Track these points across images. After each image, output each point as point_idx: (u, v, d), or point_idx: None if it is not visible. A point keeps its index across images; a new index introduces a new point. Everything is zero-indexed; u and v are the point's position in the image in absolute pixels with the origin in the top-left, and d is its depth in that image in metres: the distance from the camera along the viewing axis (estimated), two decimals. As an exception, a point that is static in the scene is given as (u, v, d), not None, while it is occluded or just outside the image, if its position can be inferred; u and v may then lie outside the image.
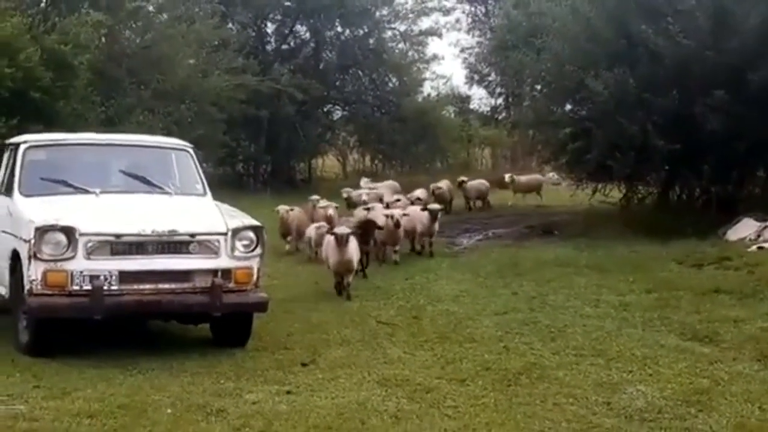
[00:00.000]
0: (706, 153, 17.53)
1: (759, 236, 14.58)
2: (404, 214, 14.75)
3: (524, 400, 6.94)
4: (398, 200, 17.67)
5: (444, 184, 22.43)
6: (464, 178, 24.09)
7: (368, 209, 15.34)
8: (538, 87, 23.90)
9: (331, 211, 15.49)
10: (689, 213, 17.97)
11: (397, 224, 14.02)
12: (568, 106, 20.92)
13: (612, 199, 19.92)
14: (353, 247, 11.12)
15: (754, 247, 13.76)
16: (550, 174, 30.94)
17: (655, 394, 7.00)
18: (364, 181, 24.10)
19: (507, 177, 25.18)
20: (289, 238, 16.19)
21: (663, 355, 8.28)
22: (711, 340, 8.85)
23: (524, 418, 6.47)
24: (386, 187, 21.60)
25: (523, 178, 25.34)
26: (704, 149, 17.27)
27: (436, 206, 15.60)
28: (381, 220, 13.88)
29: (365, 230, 12.70)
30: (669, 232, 15.60)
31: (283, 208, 16.20)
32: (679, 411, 6.59)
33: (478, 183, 24.51)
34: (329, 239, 11.46)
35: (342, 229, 11.24)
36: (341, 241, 10.84)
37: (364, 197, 17.84)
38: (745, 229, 15.18)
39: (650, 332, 9.30)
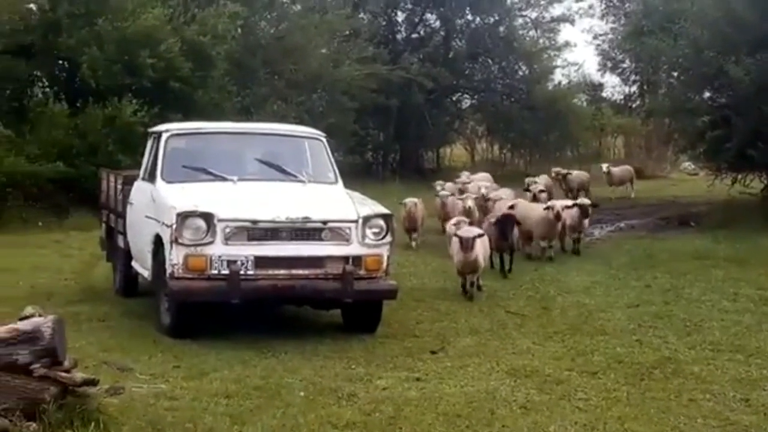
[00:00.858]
0: None
1: None
2: (566, 207, 13.85)
3: (658, 395, 6.78)
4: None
5: (542, 179, 20.73)
6: (563, 170, 22.76)
7: (513, 206, 14.17)
8: (675, 74, 23.23)
9: (470, 203, 14.60)
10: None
11: (558, 216, 13.26)
12: (707, 94, 20.29)
13: (753, 189, 19.17)
14: (480, 247, 10.46)
15: None
16: (686, 164, 30.09)
17: (798, 392, 6.74)
18: (465, 175, 22.63)
19: (604, 167, 24.31)
20: (414, 235, 15.28)
21: (806, 351, 7.95)
22: None
23: (658, 413, 6.32)
24: (483, 180, 20.27)
25: (616, 170, 24.43)
26: None
27: (586, 201, 14.57)
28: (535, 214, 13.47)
29: (503, 226, 11.99)
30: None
31: (410, 201, 15.20)
32: (824, 410, 6.32)
33: (578, 174, 23.21)
34: (454, 240, 10.75)
35: (467, 232, 10.64)
36: (466, 247, 10.24)
37: (483, 190, 16.38)
38: None
39: (793, 328, 8.94)
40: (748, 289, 10.88)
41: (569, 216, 13.77)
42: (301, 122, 16.80)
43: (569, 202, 14.44)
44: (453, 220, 12.93)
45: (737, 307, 9.96)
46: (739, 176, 19.39)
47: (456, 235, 10.67)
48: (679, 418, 6.19)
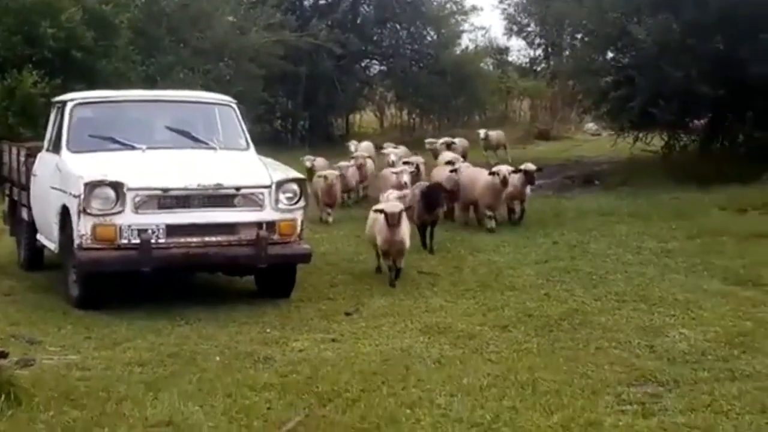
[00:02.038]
0: (751, 99, 17.29)
1: (804, 181, 14.43)
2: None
3: (566, 344, 7.01)
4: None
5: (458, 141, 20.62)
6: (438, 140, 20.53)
7: (455, 170, 13.13)
8: (579, 36, 23.69)
9: (405, 178, 12.96)
10: (733, 160, 17.78)
11: (504, 182, 12.26)
12: (610, 54, 20.72)
13: (654, 147, 19.74)
14: (405, 225, 9.40)
15: (799, 193, 13.62)
16: (590, 125, 30.72)
17: (698, 337, 7.03)
18: (483, 132, 23.16)
19: (482, 133, 23.12)
20: (330, 210, 13.97)
21: (706, 299, 8.31)
22: (755, 284, 8.87)
23: (567, 362, 6.53)
24: (366, 150, 19.27)
25: (493, 134, 23.49)
26: (749, 95, 17.04)
27: (532, 166, 13.12)
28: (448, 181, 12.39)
29: (431, 197, 11.04)
30: (712, 179, 15.47)
31: (332, 173, 14.05)
32: (722, 353, 6.62)
33: (460, 141, 20.91)
34: (377, 217, 9.53)
35: (392, 207, 9.43)
36: (392, 221, 9.09)
37: (393, 157, 16.02)
38: (790, 174, 15.01)
39: (693, 277, 9.33)
40: (650, 243, 11.26)
41: (511, 183, 12.58)
42: (208, 90, 16.58)
43: (510, 168, 12.90)
44: (392, 194, 11.35)
45: (640, 260, 10.31)
46: (641, 135, 19.92)
47: (379, 209, 9.46)
48: (587, 366, 6.40)
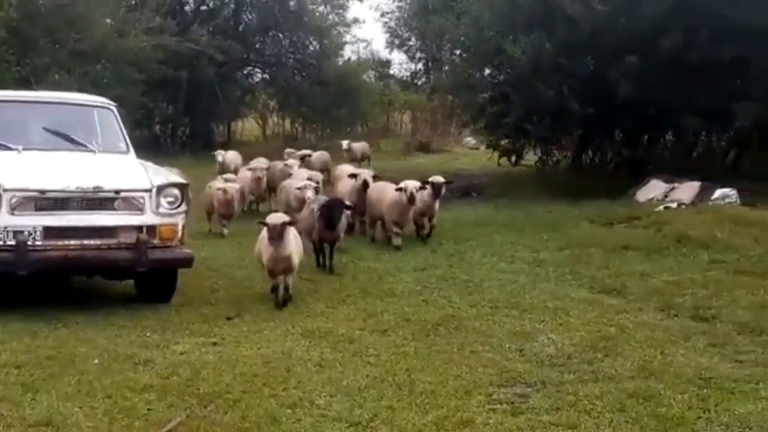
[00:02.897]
0: (619, 117, 18.13)
1: (666, 196, 15.23)
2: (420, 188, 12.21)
3: (442, 348, 7.25)
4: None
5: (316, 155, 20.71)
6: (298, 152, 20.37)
7: (366, 183, 12.88)
8: (458, 52, 24.29)
9: (309, 193, 12.24)
10: (601, 175, 18.62)
11: (412, 199, 11.89)
12: (487, 71, 21.29)
13: (528, 162, 20.40)
14: (293, 240, 8.79)
15: (661, 207, 14.37)
16: (468, 138, 31.47)
17: (565, 342, 7.38)
18: (345, 143, 23.33)
19: (344, 144, 23.69)
20: (225, 222, 13.54)
21: (573, 306, 8.71)
22: (619, 293, 9.33)
23: (442, 364, 6.77)
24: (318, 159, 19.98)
25: (357, 146, 24.04)
26: (616, 113, 17.84)
27: (440, 179, 12.69)
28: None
29: (331, 213, 10.44)
30: (582, 193, 16.13)
31: (231, 186, 13.61)
32: (587, 356, 6.98)
33: (319, 154, 21.00)
34: (263, 231, 8.84)
35: (275, 218, 8.66)
36: (274, 234, 8.47)
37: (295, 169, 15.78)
38: (653, 190, 15.81)
39: (562, 286, 9.76)
40: (523, 253, 11.70)
41: (419, 199, 12.24)
42: (85, 93, 16.27)
43: (418, 183, 12.26)
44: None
45: (514, 268, 10.72)
46: (516, 149, 20.57)
47: (262, 222, 8.83)
48: (461, 368, 6.66)
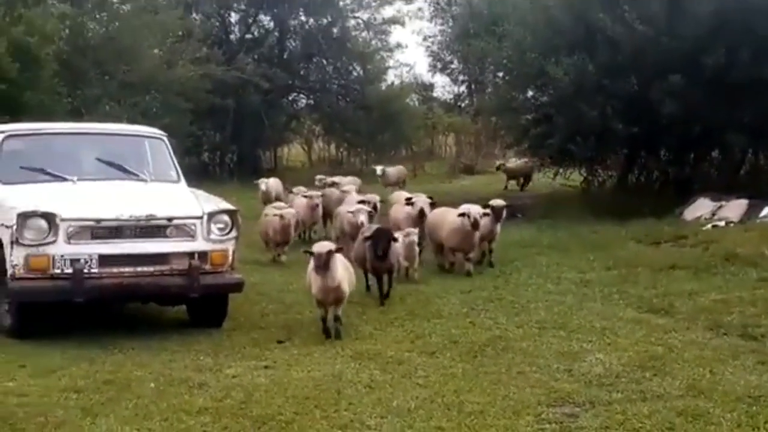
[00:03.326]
0: (663, 136, 18.08)
1: (713, 215, 15.13)
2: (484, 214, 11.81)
3: (490, 369, 7.32)
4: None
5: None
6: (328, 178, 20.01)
7: (422, 211, 12.44)
8: (500, 74, 24.35)
9: (362, 218, 12.08)
10: (647, 194, 18.52)
11: (475, 225, 11.48)
12: (530, 93, 21.35)
13: (573, 182, 20.40)
14: (342, 268, 8.50)
15: (708, 226, 14.30)
16: (513, 159, 31.45)
17: (613, 362, 7.41)
18: (379, 169, 22.89)
19: (378, 170, 23.42)
20: (284, 248, 13.34)
21: (621, 326, 8.74)
22: (666, 312, 9.34)
23: (490, 385, 6.85)
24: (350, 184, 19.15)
25: (391, 170, 23.53)
26: (661, 132, 17.80)
27: (500, 202, 12.56)
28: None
29: (377, 243, 9.96)
30: (628, 212, 16.07)
31: (288, 212, 13.36)
32: (635, 376, 7.01)
33: (351, 179, 20.27)
34: (311, 262, 8.51)
35: (321, 247, 8.37)
36: (320, 263, 8.16)
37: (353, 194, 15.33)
38: (700, 208, 15.72)
39: (609, 306, 9.79)
40: (569, 273, 11.73)
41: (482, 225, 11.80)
42: (134, 123, 16.64)
43: (481, 209, 11.83)
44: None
45: (560, 289, 10.75)
46: (561, 170, 20.58)
47: (307, 251, 8.55)
48: (509, 389, 6.73)
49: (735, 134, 16.89)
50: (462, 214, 11.60)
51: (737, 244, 12.23)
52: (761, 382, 6.71)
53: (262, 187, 18.57)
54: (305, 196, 15.36)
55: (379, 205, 13.76)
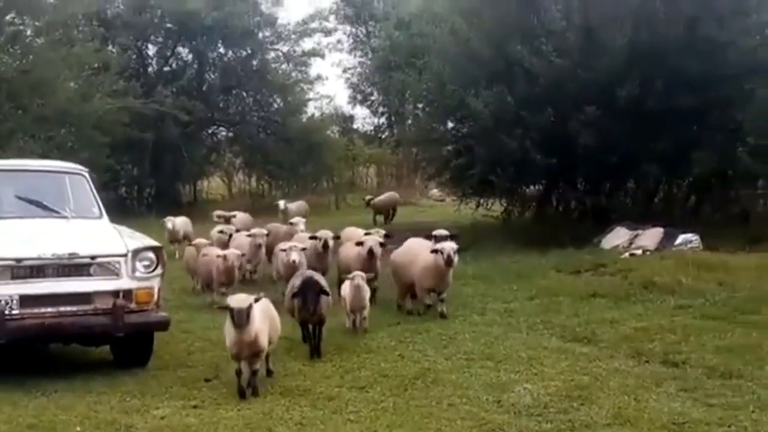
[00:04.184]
0: (580, 166, 18.50)
1: (631, 243, 15.51)
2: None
3: (421, 402, 7.36)
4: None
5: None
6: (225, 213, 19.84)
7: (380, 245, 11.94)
8: (421, 106, 24.62)
9: (294, 256, 11.79)
10: (566, 224, 18.90)
11: (449, 261, 10.86)
12: (450, 124, 21.63)
13: (494, 212, 20.67)
14: (260, 319, 7.74)
15: (626, 254, 14.64)
16: (434, 190, 31.78)
17: (541, 391, 7.53)
18: (282, 203, 22.14)
19: (281, 204, 22.38)
20: (224, 290, 11.92)
21: (546, 355, 8.88)
22: (590, 341, 9.54)
23: (421, 418, 6.89)
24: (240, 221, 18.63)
25: (292, 206, 22.48)
26: (578, 162, 18.21)
27: (443, 232, 12.78)
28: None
29: (305, 294, 9.13)
30: (548, 242, 16.37)
31: (232, 252, 12.34)
32: (563, 405, 7.13)
33: (242, 216, 19.84)
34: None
35: (240, 301, 7.61)
36: (242, 320, 7.48)
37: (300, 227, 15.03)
38: (617, 237, 16.10)
39: (534, 335, 9.94)
40: (494, 304, 11.89)
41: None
42: (50, 158, 16.32)
43: (455, 245, 11.38)
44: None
45: (486, 320, 10.88)
46: (482, 201, 20.85)
47: (221, 306, 7.98)
48: (440, 422, 6.78)
49: (649, 164, 17.38)
50: (435, 251, 10.98)
51: (655, 272, 12.57)
52: (684, 409, 6.91)
53: (168, 225, 18.10)
54: (249, 235, 14.40)
55: (331, 242, 12.89)
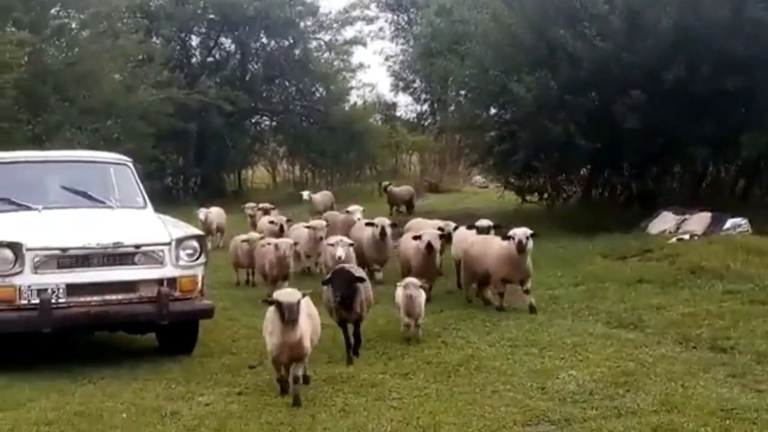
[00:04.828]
0: (626, 150, 18.24)
1: (678, 228, 15.29)
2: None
3: (464, 389, 7.31)
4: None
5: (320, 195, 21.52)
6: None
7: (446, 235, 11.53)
8: (463, 92, 24.46)
9: (340, 252, 11.24)
10: (612, 209, 18.71)
11: (521, 248, 10.29)
12: (493, 110, 21.52)
13: (537, 199, 20.51)
14: (304, 318, 7.06)
15: (673, 239, 14.44)
16: (477, 177, 31.62)
17: (586, 378, 7.44)
18: (306, 194, 21.97)
19: (305, 195, 22.05)
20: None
21: (592, 342, 8.78)
22: (636, 327, 9.41)
23: (465, 405, 6.84)
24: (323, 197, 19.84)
25: (318, 197, 22.24)
26: (624, 147, 17.96)
27: (486, 222, 12.08)
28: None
29: (341, 288, 8.25)
30: (594, 227, 16.18)
31: (285, 242, 11.77)
32: (608, 392, 7.03)
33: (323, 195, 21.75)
34: (269, 309, 7.17)
35: (289, 295, 6.93)
36: (293, 316, 6.81)
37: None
38: (664, 222, 15.87)
39: (579, 322, 9.83)
40: (539, 290, 11.68)
41: None
42: (96, 149, 16.48)
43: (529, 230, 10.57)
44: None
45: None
46: (526, 186, 20.70)
47: (268, 300, 7.19)
48: (484, 408, 6.72)
49: (696, 147, 17.10)
50: (508, 237, 10.41)
51: (702, 257, 12.36)
52: (733, 395, 6.78)
53: (201, 216, 17.58)
54: (307, 227, 13.69)
55: (389, 230, 12.54)
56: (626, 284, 11.69)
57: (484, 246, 11.03)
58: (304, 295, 7.02)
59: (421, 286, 9.26)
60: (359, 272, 8.82)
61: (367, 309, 8.68)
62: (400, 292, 9.22)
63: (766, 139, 16.28)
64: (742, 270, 11.55)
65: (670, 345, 8.58)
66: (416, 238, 11.07)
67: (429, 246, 10.80)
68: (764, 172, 18.91)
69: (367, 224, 12.91)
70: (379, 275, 12.51)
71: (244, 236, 13.52)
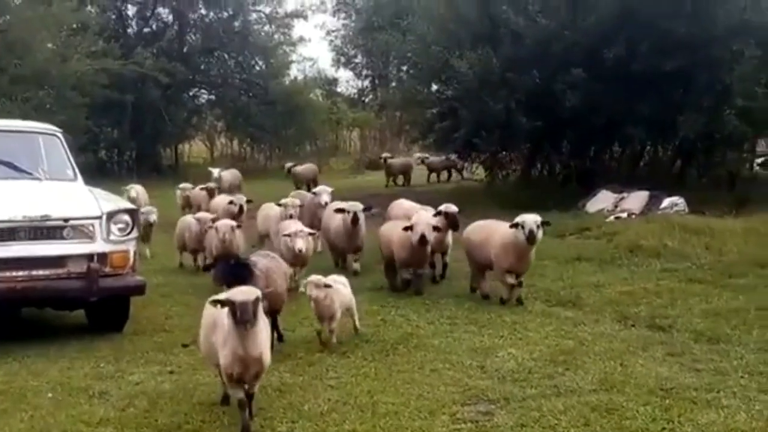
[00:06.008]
0: (566, 129, 18.34)
1: (616, 207, 15.41)
2: None
3: (403, 367, 7.20)
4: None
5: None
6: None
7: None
8: (405, 68, 24.35)
9: (300, 244, 10.12)
10: (551, 187, 18.79)
11: (531, 238, 9.16)
12: (435, 87, 21.44)
13: (478, 175, 20.51)
14: (264, 328, 5.79)
15: (611, 218, 14.54)
16: (417, 154, 31.56)
17: (525, 356, 7.38)
18: (216, 171, 20.99)
19: (215, 173, 21.05)
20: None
21: (530, 320, 8.74)
22: (574, 305, 9.40)
23: (403, 384, 6.72)
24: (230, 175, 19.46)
25: (226, 174, 21.50)
26: (563, 126, 18.05)
27: (453, 207, 10.73)
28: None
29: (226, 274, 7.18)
30: (532, 205, 15.74)
31: (304, 231, 10.39)
32: (548, 370, 6.98)
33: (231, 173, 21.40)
34: (218, 314, 5.69)
35: (245, 293, 5.52)
36: (248, 316, 5.40)
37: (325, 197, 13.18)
38: (602, 201, 15.99)
39: (518, 299, 9.75)
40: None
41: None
42: (27, 119, 15.96)
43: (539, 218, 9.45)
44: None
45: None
46: (466, 164, 20.69)
47: (217, 301, 5.59)
48: (423, 387, 6.61)
49: (635, 127, 17.23)
50: (515, 225, 9.36)
51: (640, 235, 12.44)
52: (671, 374, 6.77)
53: (132, 194, 16.22)
54: (280, 204, 12.61)
55: (361, 215, 11.49)
56: (564, 262, 11.72)
57: (487, 232, 10.01)
58: (266, 295, 5.89)
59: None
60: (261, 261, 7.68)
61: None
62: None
63: (703, 120, 16.45)
64: (679, 248, 11.66)
65: (608, 323, 8.57)
66: (407, 229, 10.02)
67: (422, 239, 9.93)
68: (700, 153, 19.12)
69: (337, 211, 11.81)
70: (356, 265, 11.71)
71: (195, 215, 12.70)
